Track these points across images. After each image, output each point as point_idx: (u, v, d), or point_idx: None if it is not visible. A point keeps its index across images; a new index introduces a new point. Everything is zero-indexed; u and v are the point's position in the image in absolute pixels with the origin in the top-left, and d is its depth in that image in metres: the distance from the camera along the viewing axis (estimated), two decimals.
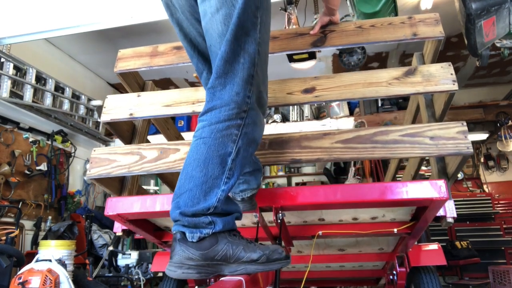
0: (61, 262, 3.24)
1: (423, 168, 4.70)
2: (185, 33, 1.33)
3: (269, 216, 1.62)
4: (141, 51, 1.98)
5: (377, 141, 1.52)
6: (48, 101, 4.87)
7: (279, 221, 1.58)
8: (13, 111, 4.64)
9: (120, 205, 1.67)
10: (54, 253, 3.29)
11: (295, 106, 6.73)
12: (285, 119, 6.81)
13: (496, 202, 5.78)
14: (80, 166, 5.97)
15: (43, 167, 5.01)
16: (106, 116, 1.84)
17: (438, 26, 1.73)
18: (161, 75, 6.73)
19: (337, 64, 6.37)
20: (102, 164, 1.73)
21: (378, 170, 5.45)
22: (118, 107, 1.85)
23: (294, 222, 1.94)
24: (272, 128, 6.17)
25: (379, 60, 6.51)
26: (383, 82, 1.63)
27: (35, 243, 4.39)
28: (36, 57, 5.01)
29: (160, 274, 4.37)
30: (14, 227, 3.61)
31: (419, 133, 1.51)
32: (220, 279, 1.20)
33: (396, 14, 2.73)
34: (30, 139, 4.95)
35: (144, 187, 5.58)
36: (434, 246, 2.17)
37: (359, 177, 5.75)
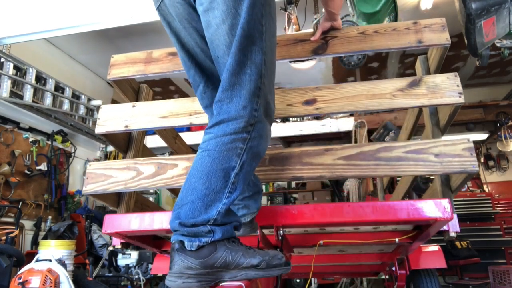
0: (61, 262, 3.24)
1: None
2: (183, 43, 1.30)
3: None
4: (135, 57, 1.91)
5: (380, 157, 1.49)
6: (48, 101, 4.87)
7: (280, 237, 1.55)
8: (13, 111, 4.64)
9: (118, 223, 1.63)
10: (54, 253, 3.29)
11: None
12: (285, 119, 6.82)
13: (496, 202, 5.78)
14: (80, 166, 5.96)
15: (43, 167, 5.01)
16: (101, 128, 1.79)
17: (444, 33, 1.66)
18: (160, 75, 6.72)
19: (337, 64, 6.37)
20: (98, 180, 1.70)
21: None
22: (112, 118, 1.80)
23: (295, 232, 1.91)
24: (272, 128, 6.16)
25: (379, 60, 6.51)
26: (387, 93, 1.59)
27: (35, 243, 4.39)
28: (36, 57, 5.01)
29: (160, 274, 4.37)
30: (14, 227, 3.61)
31: (424, 150, 1.47)
32: (220, 284, 1.20)
33: (396, 14, 2.73)
34: (30, 139, 4.95)
35: (145, 195, 5.58)
36: (434, 248, 2.15)
37: None
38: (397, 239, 1.77)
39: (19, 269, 3.17)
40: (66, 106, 5.23)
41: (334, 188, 7.30)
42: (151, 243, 2.00)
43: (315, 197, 7.57)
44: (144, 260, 4.54)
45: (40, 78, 4.84)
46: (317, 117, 6.74)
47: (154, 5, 1.33)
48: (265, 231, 1.73)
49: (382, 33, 1.71)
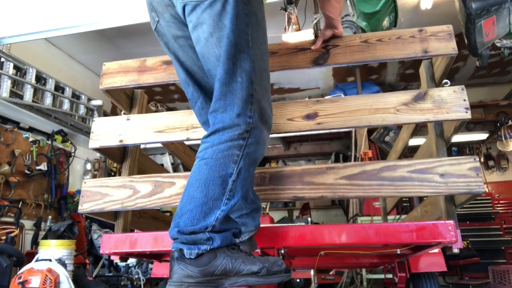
0: (61, 261, 3.24)
1: None
2: (181, 62, 1.32)
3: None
4: (128, 65, 1.85)
5: (384, 177, 1.46)
6: (48, 101, 4.87)
7: (281, 256, 1.54)
8: (13, 111, 4.63)
9: (116, 244, 1.61)
10: (54, 252, 3.29)
11: None
12: None
13: (496, 202, 5.78)
14: (80, 166, 5.96)
15: (43, 167, 5.01)
16: (95, 143, 1.77)
17: (451, 42, 1.61)
18: None
19: None
20: (94, 199, 1.68)
21: None
22: (106, 132, 1.77)
23: None
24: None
25: None
26: (391, 108, 1.55)
27: (35, 242, 4.38)
28: (36, 57, 5.00)
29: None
30: (14, 227, 3.61)
31: (429, 170, 1.44)
32: None
33: (396, 14, 2.73)
34: (30, 139, 4.94)
35: None
36: (434, 250, 2.15)
37: None
38: (398, 250, 1.74)
39: (19, 269, 3.17)
40: (66, 106, 5.22)
41: None
42: (151, 255, 1.98)
43: None
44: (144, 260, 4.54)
45: (40, 78, 4.84)
46: None
47: (152, 27, 1.34)
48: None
49: (386, 42, 1.65)
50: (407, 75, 6.68)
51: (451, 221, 1.38)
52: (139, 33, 5.20)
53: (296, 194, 1.52)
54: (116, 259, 1.79)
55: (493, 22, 2.15)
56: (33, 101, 4.64)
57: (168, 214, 4.25)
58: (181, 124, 1.70)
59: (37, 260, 3.17)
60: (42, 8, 3.46)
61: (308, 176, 1.52)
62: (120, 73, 1.84)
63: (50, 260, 3.16)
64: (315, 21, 3.42)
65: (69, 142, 5.55)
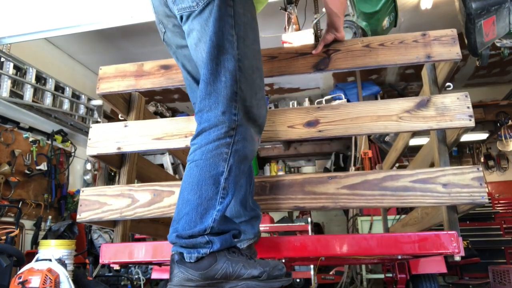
0: (61, 261, 3.23)
1: None
2: (188, 70, 1.37)
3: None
4: (125, 69, 1.83)
5: (386, 187, 1.45)
6: (48, 100, 4.87)
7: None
8: (13, 111, 4.63)
9: (115, 254, 1.61)
10: (54, 252, 3.29)
11: (295, 105, 6.73)
12: None
13: (496, 201, 5.78)
14: (80, 165, 5.96)
15: (43, 166, 5.01)
16: (93, 150, 1.74)
17: (455, 46, 1.58)
18: None
19: None
20: (92, 208, 1.66)
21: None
22: (104, 139, 1.74)
23: None
24: None
25: None
26: (393, 115, 1.53)
27: (35, 242, 4.38)
28: (36, 57, 5.00)
29: None
30: (14, 227, 3.60)
31: (432, 179, 1.43)
32: None
33: (396, 14, 2.73)
34: (30, 139, 4.94)
35: None
36: None
37: None
38: (399, 256, 1.74)
39: (19, 269, 3.17)
40: (66, 106, 5.23)
41: None
42: (150, 261, 1.98)
43: None
44: None
45: (40, 78, 4.84)
46: None
47: (161, 38, 1.40)
48: None
49: (389, 47, 1.63)
50: (407, 75, 6.68)
51: (454, 232, 1.37)
52: (139, 33, 5.20)
53: (297, 204, 1.51)
54: (116, 266, 1.78)
55: (493, 22, 2.15)
56: (33, 101, 4.64)
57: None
58: (179, 131, 1.68)
59: (37, 260, 3.17)
60: (42, 8, 3.46)
61: (309, 185, 1.51)
62: (117, 78, 1.82)
63: (50, 260, 3.16)
64: (315, 21, 3.42)
65: (69, 142, 5.55)
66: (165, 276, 2.29)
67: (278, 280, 1.12)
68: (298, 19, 3.57)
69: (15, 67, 4.43)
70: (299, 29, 3.50)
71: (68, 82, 5.32)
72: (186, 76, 1.39)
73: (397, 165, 5.93)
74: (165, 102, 7.44)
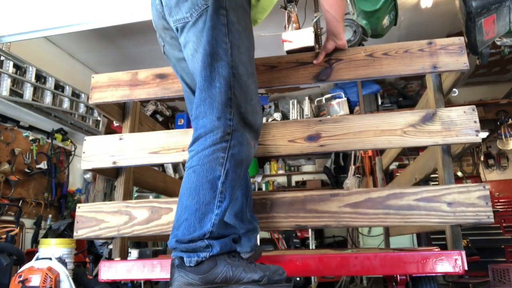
0: (61, 260, 3.24)
1: None
2: (186, 83, 1.40)
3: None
4: (118, 78, 1.80)
5: (390, 206, 1.42)
6: (48, 99, 4.87)
7: None
8: (13, 110, 4.63)
9: (115, 272, 1.57)
10: (54, 251, 3.29)
11: (295, 104, 6.73)
12: (285, 117, 6.81)
13: (496, 200, 5.78)
14: (80, 164, 5.95)
15: (43, 165, 5.01)
16: (87, 164, 1.72)
17: (462, 56, 1.53)
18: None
19: None
20: (89, 225, 1.63)
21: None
22: (98, 153, 1.72)
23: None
24: None
25: None
26: (398, 130, 1.49)
27: (35, 241, 4.38)
28: (36, 56, 5.00)
29: None
30: (14, 226, 3.61)
31: (436, 198, 1.40)
32: None
33: (397, 13, 2.72)
34: (30, 138, 4.94)
35: None
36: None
37: (359, 175, 5.76)
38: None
39: (19, 268, 3.17)
40: (66, 104, 5.22)
41: (334, 187, 7.30)
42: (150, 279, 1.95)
43: None
44: (144, 258, 4.54)
45: (40, 77, 4.84)
46: (317, 115, 6.74)
47: (162, 51, 1.43)
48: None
49: (393, 56, 1.58)
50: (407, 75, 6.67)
51: (458, 252, 1.35)
52: (139, 32, 5.19)
53: (299, 222, 1.48)
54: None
55: (493, 21, 2.15)
56: (33, 99, 4.63)
57: None
58: (176, 145, 1.65)
59: (37, 259, 3.18)
60: (42, 7, 3.45)
61: (310, 203, 1.49)
62: (110, 87, 1.80)
63: (50, 258, 3.16)
64: (315, 20, 3.41)
65: (69, 140, 5.55)
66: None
67: (279, 285, 1.12)
68: (298, 18, 3.56)
69: (14, 65, 4.43)
70: (299, 28, 3.49)
71: (68, 80, 5.31)
72: (185, 88, 1.42)
73: (396, 163, 5.94)
74: (165, 101, 7.44)
